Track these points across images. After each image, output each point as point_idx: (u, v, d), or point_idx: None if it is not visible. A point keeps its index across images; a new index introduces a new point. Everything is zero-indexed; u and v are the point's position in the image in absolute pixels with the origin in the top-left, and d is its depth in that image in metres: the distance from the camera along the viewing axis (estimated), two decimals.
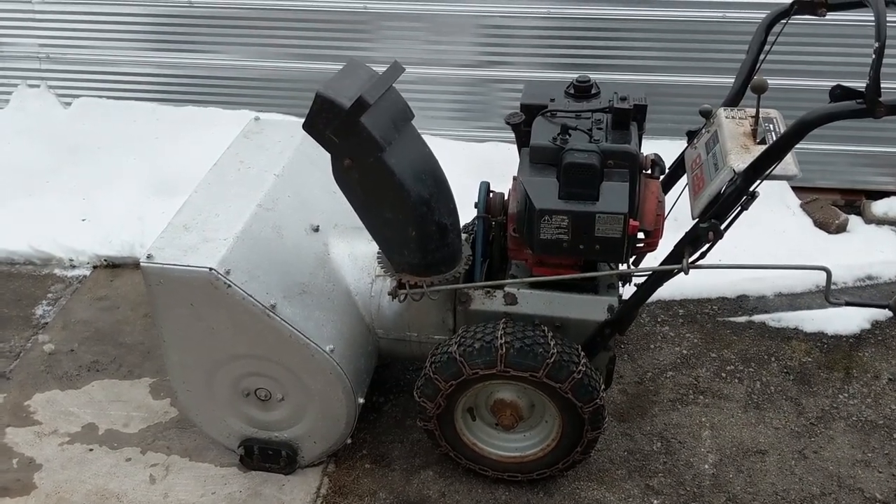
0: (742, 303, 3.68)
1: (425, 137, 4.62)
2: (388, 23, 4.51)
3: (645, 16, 4.23)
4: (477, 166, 4.13)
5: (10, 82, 5.04)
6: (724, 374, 3.30)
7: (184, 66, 4.82)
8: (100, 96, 4.97)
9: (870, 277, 3.78)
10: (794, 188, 4.30)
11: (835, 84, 2.17)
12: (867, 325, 3.52)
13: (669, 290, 3.67)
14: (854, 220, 4.17)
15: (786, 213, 4.12)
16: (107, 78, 4.94)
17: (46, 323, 3.67)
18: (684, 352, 3.42)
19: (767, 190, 4.19)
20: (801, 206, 4.20)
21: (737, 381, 3.27)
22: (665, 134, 3.75)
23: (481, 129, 4.67)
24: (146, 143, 4.63)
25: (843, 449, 2.98)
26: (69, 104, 4.98)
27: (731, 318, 3.59)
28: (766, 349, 3.42)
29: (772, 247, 3.84)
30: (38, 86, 5.02)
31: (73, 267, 4.03)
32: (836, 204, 4.28)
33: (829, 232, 4.05)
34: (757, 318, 3.59)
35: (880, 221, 4.16)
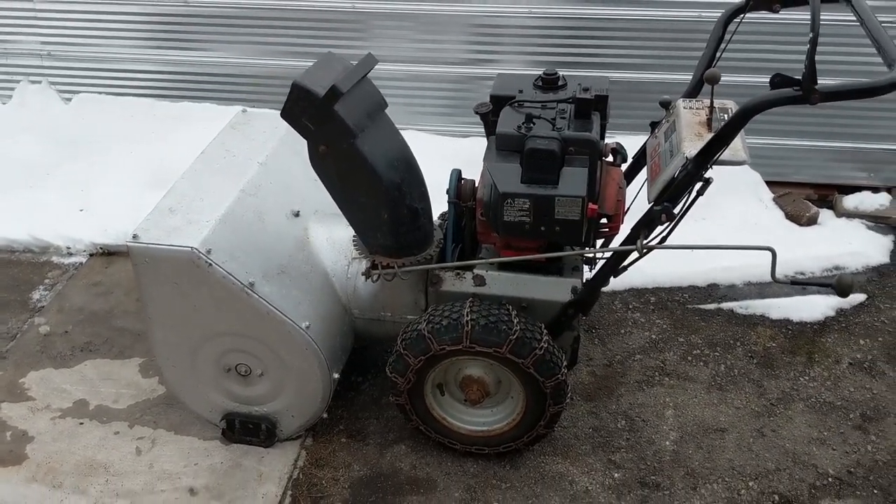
0: (712, 291, 3.81)
1: (413, 132, 4.77)
2: (377, 22, 4.65)
3: (625, 15, 4.37)
4: (463, 161, 4.26)
5: (13, 79, 5.22)
6: (690, 358, 3.43)
7: (180, 63, 4.98)
8: (99, 92, 5.14)
9: (837, 268, 3.90)
10: (768, 182, 4.43)
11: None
12: (832, 313, 3.64)
13: (642, 278, 3.83)
14: (825, 214, 4.29)
15: (759, 207, 4.24)
16: (106, 75, 5.11)
17: (43, 307, 3.83)
18: (653, 336, 3.55)
19: (741, 184, 4.36)
20: (774, 199, 4.32)
21: (702, 364, 3.40)
22: (644, 130, 3.87)
23: (467, 124, 4.80)
24: (143, 137, 4.78)
25: (801, 428, 3.10)
26: (69, 100, 5.15)
27: (701, 306, 3.73)
28: (733, 335, 3.55)
29: (743, 238, 3.96)
30: (39, 82, 5.19)
31: (70, 254, 4.19)
32: (809, 198, 4.40)
33: (800, 224, 4.17)
34: (725, 305, 3.72)
35: (851, 215, 4.28)
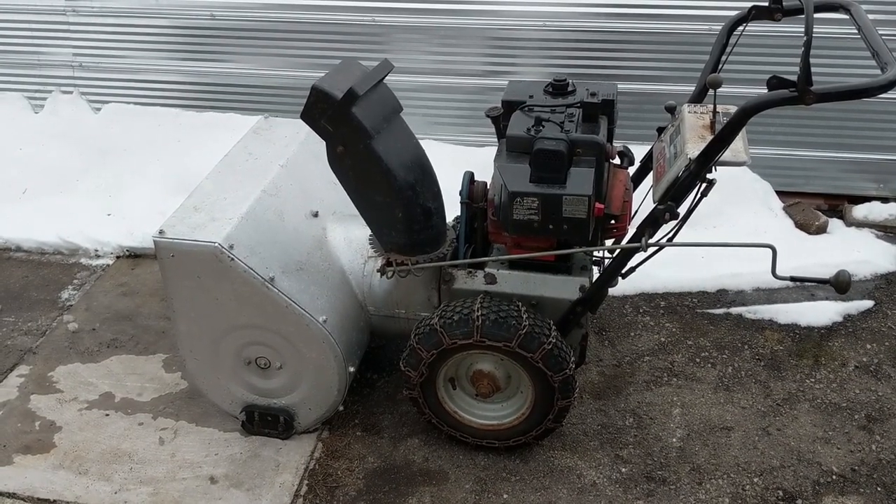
0: (721, 296, 3.88)
1: (431, 142, 4.87)
2: (397, 35, 4.79)
3: (636, 28, 4.48)
4: (479, 167, 4.38)
5: (46, 89, 5.40)
6: (698, 360, 3.50)
7: (206, 74, 5.14)
8: (127, 102, 5.31)
9: None
10: (780, 193, 4.50)
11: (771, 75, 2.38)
12: (839, 318, 3.70)
13: (652, 283, 3.91)
14: (835, 223, 4.35)
15: (768, 215, 4.30)
16: (134, 85, 5.28)
17: (71, 305, 3.97)
18: (662, 339, 3.62)
19: (752, 193, 4.43)
20: (784, 208, 4.39)
21: (710, 365, 3.47)
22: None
23: (484, 134, 4.92)
24: (169, 145, 4.94)
25: (806, 427, 3.16)
26: (99, 110, 5.33)
27: (710, 310, 3.79)
28: (741, 338, 3.61)
29: None
30: (70, 92, 5.37)
31: (98, 257, 4.35)
32: (819, 208, 4.46)
33: (810, 233, 4.23)
34: (734, 310, 3.78)
35: (860, 224, 4.34)
